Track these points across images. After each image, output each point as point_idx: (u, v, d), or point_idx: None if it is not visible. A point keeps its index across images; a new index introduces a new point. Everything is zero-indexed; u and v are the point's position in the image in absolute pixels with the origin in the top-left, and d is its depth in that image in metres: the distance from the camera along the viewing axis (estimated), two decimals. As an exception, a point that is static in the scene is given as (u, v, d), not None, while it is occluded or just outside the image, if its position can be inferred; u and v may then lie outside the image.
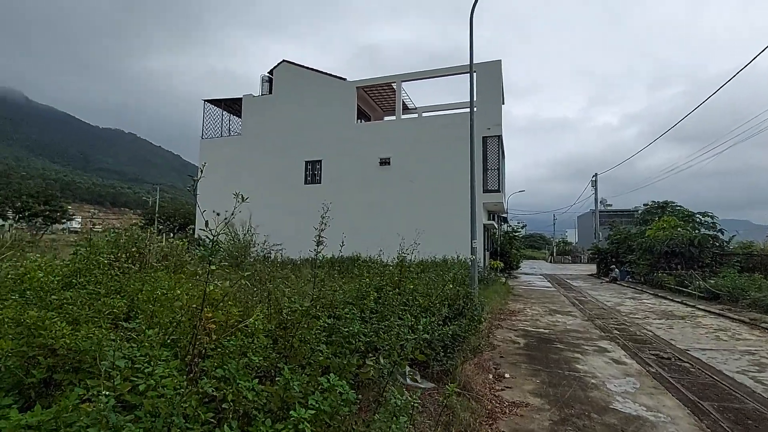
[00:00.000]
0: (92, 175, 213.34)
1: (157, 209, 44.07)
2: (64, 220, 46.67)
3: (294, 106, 23.36)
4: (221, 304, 2.91)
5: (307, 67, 23.81)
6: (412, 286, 5.72)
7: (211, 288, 2.37)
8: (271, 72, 24.42)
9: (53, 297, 2.93)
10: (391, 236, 17.06)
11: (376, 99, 25.39)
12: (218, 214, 2.37)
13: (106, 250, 6.46)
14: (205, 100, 25.39)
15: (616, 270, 27.21)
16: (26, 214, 40.33)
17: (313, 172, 22.86)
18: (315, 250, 3.90)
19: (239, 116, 25.46)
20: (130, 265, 6.26)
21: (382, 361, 2.97)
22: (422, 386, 4.72)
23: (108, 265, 4.11)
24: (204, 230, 2.35)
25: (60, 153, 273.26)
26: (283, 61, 24.11)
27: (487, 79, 19.68)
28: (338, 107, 22.44)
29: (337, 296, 4.18)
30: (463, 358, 5.30)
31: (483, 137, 19.32)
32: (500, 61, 20.27)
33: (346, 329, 3.15)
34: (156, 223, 33.91)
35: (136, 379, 2.03)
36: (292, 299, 3.76)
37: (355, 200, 21.13)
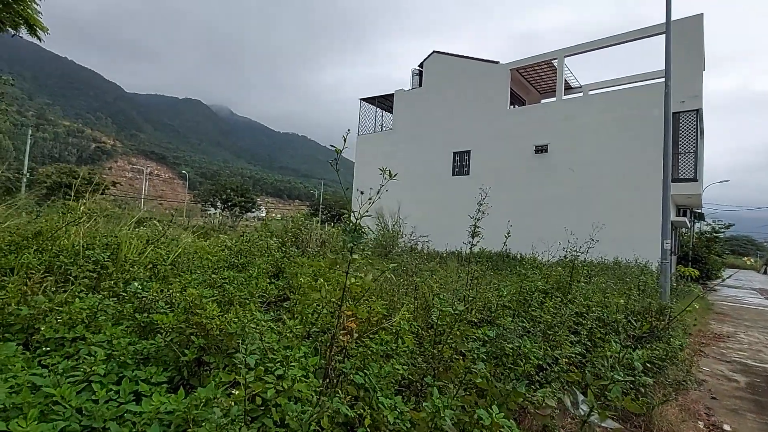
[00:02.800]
0: (275, 173, 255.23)
1: (321, 200, 49.74)
2: (254, 209, 56.61)
3: (443, 97, 22.98)
4: (363, 298, 2.56)
5: (458, 55, 23.07)
6: (586, 293, 4.60)
7: (353, 281, 1.99)
8: (421, 65, 24.52)
9: (213, 275, 3.05)
10: (547, 232, 15.20)
11: (533, 80, 23.07)
12: (362, 193, 1.95)
13: (278, 233, 7.09)
14: (361, 99, 27.06)
15: None
16: (229, 204, 50.37)
17: (461, 163, 22.14)
18: (470, 242, 3.28)
19: (391, 112, 26.38)
20: (293, 249, 6.72)
21: (567, 401, 2.19)
22: (603, 424, 3.67)
23: (266, 249, 4.29)
24: (345, 211, 1.98)
25: (254, 155, 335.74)
26: (434, 51, 23.91)
27: (682, 39, 15.70)
28: (489, 93, 21.13)
29: (497, 299, 3.48)
30: (662, 397, 3.98)
31: (674, 113, 15.56)
32: (702, 15, 15.99)
33: (510, 345, 2.46)
34: (319, 212, 38.19)
35: (267, 378, 1.77)
36: (442, 298, 3.23)
37: (506, 192, 19.62)
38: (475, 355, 2.35)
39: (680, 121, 15.82)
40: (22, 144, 40.60)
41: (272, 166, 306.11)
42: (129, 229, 6.07)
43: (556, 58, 19.38)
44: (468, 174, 21.63)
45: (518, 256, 14.09)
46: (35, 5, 6.57)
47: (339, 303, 1.92)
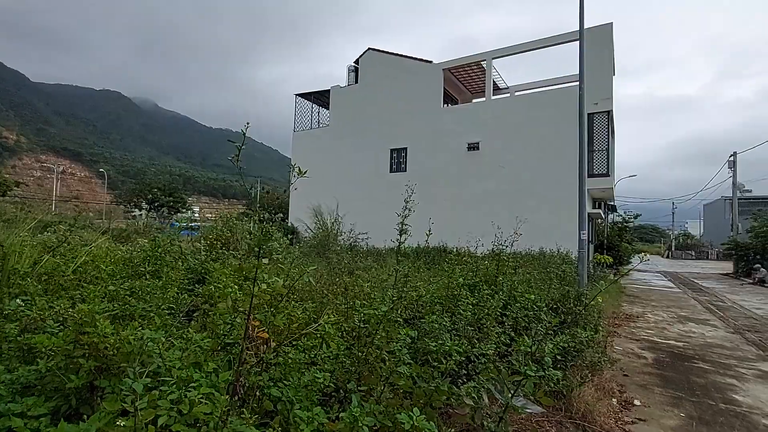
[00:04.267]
0: (208, 171, 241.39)
1: (257, 200, 47.92)
2: (184, 210, 53.16)
3: (379, 94, 23.09)
4: (281, 304, 2.42)
5: (392, 53, 23.30)
6: (511, 284, 4.81)
7: (263, 287, 1.85)
8: (357, 61, 24.42)
9: (110, 288, 2.73)
10: (480, 226, 15.89)
11: (464, 80, 23.96)
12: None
13: (206, 234, 6.63)
14: (296, 95, 26.39)
15: (763, 270, 22.37)
16: (155, 204, 46.76)
17: (398, 160, 22.43)
18: (398, 239, 3.26)
19: (328, 108, 26.01)
20: (224, 251, 6.32)
21: (485, 398, 2.22)
22: (527, 410, 3.85)
23: (180, 254, 3.95)
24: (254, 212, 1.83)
25: (183, 152, 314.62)
26: (369, 48, 23.92)
27: (595, 46, 17.14)
28: (424, 92, 21.59)
29: (423, 296, 3.49)
30: (580, 378, 4.27)
31: (589, 114, 16.97)
32: (611, 24, 17.57)
33: (434, 344, 2.45)
34: (257, 212, 36.70)
35: (161, 403, 1.58)
36: (371, 297, 3.19)
37: (442, 188, 20.22)
38: (398, 356, 2.32)
39: (594, 121, 17.29)
40: None
41: (205, 164, 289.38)
42: (27, 236, 5.32)
43: (485, 60, 20.28)
44: (405, 171, 21.97)
45: (454, 250, 14.58)
46: None
47: (246, 312, 1.78)
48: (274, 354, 2.21)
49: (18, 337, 2.52)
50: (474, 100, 24.71)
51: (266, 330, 2.02)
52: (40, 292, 3.52)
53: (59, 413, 2.05)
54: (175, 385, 1.64)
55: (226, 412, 1.69)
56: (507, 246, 5.24)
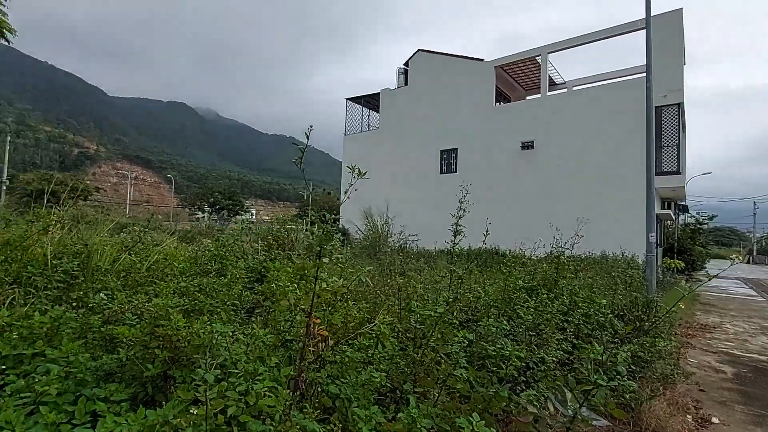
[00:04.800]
0: (263, 175, 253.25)
1: (310, 201, 49.49)
2: (243, 212, 56.03)
3: (429, 95, 22.96)
4: (339, 303, 2.45)
5: (443, 53, 23.07)
6: (572, 289, 4.55)
7: (323, 286, 1.88)
8: (406, 63, 24.46)
9: (182, 284, 2.91)
10: (536, 227, 15.25)
11: (518, 77, 23.18)
12: (329, 194, 1.84)
13: (263, 235, 6.95)
14: (347, 99, 26.92)
15: None
16: (216, 207, 49.75)
17: (448, 161, 22.14)
18: (451, 240, 3.20)
19: (378, 111, 26.29)
20: (279, 252, 6.57)
21: (550, 407, 2.11)
22: (592, 422, 3.62)
23: (242, 253, 4.15)
24: (310, 212, 1.87)
25: (241, 157, 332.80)
26: (419, 50, 23.87)
27: (663, 34, 15.87)
28: (475, 91, 21.16)
29: (482, 298, 3.40)
30: (650, 391, 3.95)
31: (657, 107, 15.73)
32: (680, 9, 16.19)
33: (492, 348, 2.37)
34: (309, 213, 37.94)
35: (230, 394, 1.65)
36: (424, 299, 3.15)
37: (494, 189, 19.67)
38: (454, 359, 2.26)
39: (663, 115, 16.01)
40: (1, 151, 39.56)
41: (260, 168, 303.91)
42: (107, 236, 5.87)
43: (539, 55, 19.49)
44: (455, 172, 21.64)
45: (507, 253, 14.12)
46: (2, 6, 6.32)
47: (308, 311, 1.82)
48: (332, 352, 2.24)
49: (101, 328, 2.77)
50: (528, 97, 23.82)
51: (325, 328, 2.05)
52: (119, 287, 3.85)
53: (137, 399, 2.22)
54: (242, 378, 1.71)
55: (288, 406, 1.73)
56: (567, 248, 4.97)
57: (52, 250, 4.75)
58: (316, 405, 1.88)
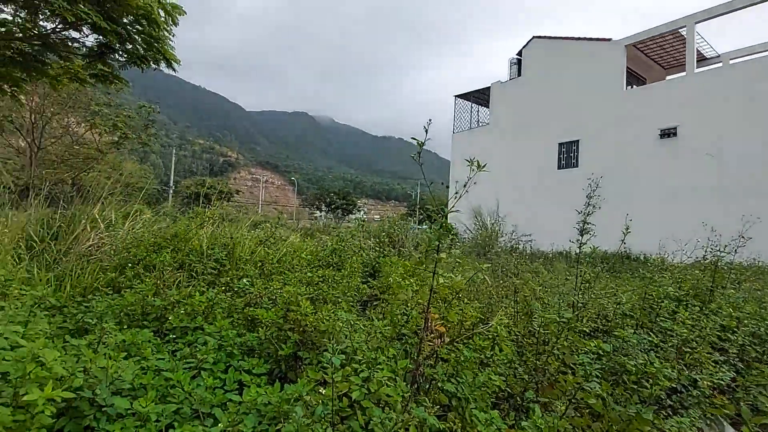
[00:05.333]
0: (374, 176, 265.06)
1: (417, 200, 50.23)
2: (355, 211, 59.45)
3: (546, 84, 21.34)
4: (455, 300, 2.40)
5: (561, 37, 21.22)
6: (734, 303, 3.76)
7: (441, 281, 1.86)
8: (520, 53, 23.13)
9: (308, 275, 3.17)
10: (678, 229, 13.05)
11: (655, 55, 20.13)
12: (447, 187, 1.82)
13: (375, 233, 7.27)
14: (456, 96, 26.55)
15: None
16: (332, 207, 53.71)
17: (568, 155, 20.30)
18: (578, 240, 2.90)
19: (488, 106, 25.39)
20: (389, 248, 6.79)
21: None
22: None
23: (360, 248, 4.36)
24: (429, 207, 1.85)
25: (354, 159, 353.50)
26: (534, 37, 22.36)
27: None
28: (601, 75, 18.99)
29: (614, 307, 3.02)
30: None
31: None
32: None
33: (632, 362, 2.07)
34: (416, 212, 38.49)
35: (354, 379, 1.73)
36: (546, 303, 2.92)
37: (624, 184, 17.40)
38: (586, 371, 2.03)
39: None
40: (169, 161, 48.51)
41: (371, 169, 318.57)
42: (245, 232, 6.76)
43: (684, 26, 16.61)
44: (576, 166, 19.73)
45: (641, 257, 12.37)
46: (170, 42, 7.67)
47: (426, 305, 1.81)
48: (449, 349, 2.20)
49: (244, 309, 3.18)
50: (669, 77, 20.53)
51: (441, 324, 2.03)
52: (256, 275, 4.38)
53: (272, 374, 2.49)
54: (365, 365, 1.78)
55: (407, 398, 1.75)
56: (727, 253, 4.11)
57: (206, 242, 5.64)
58: (436, 401, 1.86)
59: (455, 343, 2.39)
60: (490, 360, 2.41)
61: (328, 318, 2.27)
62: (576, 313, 2.43)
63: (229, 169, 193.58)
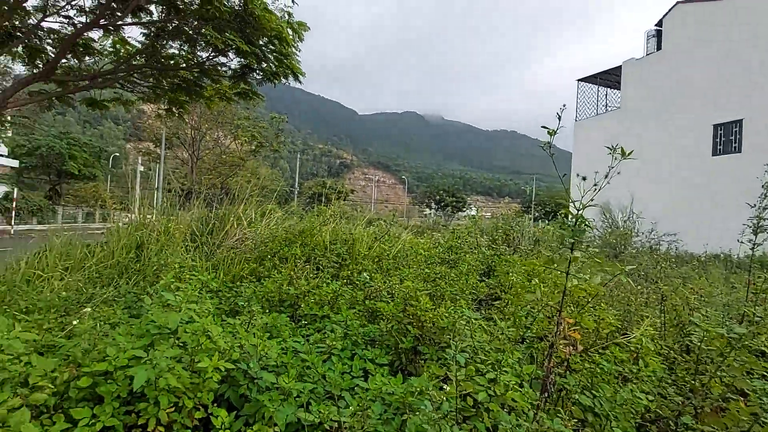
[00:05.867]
0: (484, 172, 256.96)
1: (533, 196, 47.11)
2: (465, 209, 58.38)
3: (694, 57, 18.03)
4: (589, 305, 2.17)
5: (716, -1, 17.71)
6: None
7: (575, 283, 1.70)
8: (659, 23, 19.98)
9: (425, 271, 3.19)
10: None
11: None
12: (584, 179, 1.65)
13: (488, 231, 7.06)
14: (578, 80, 24.15)
15: None
16: (441, 204, 53.59)
17: (726, 139, 16.85)
18: (750, 240, 2.39)
19: (617, 88, 22.53)
20: (504, 247, 6.50)
21: None
22: None
23: (477, 246, 4.24)
24: (563, 201, 1.70)
25: (463, 156, 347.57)
26: (677, 2, 19.08)
27: None
28: (775, 38, 15.33)
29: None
30: None
31: None
32: None
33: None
34: (531, 209, 36.12)
35: (479, 380, 1.68)
36: (704, 315, 2.48)
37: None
38: (763, 400, 1.65)
39: None
40: (294, 165, 53.96)
41: (481, 166, 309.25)
42: (361, 228, 7.15)
43: None
44: (738, 151, 16.27)
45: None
46: (297, 57, 8.48)
47: (558, 308, 1.67)
48: (581, 358, 2.00)
49: (364, 302, 3.35)
50: None
51: (577, 330, 1.85)
52: (374, 270, 4.59)
53: (393, 366, 2.57)
54: (490, 366, 1.73)
55: (535, 406, 1.64)
56: None
57: (328, 238, 6.10)
58: (572, 413, 1.71)
59: (588, 352, 2.17)
60: (633, 375, 2.13)
61: (447, 315, 2.25)
62: (749, 328, 1.99)
63: (345, 170, 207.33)
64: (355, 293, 3.59)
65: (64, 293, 3.29)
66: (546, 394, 1.70)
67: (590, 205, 1.54)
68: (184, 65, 8.93)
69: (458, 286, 2.99)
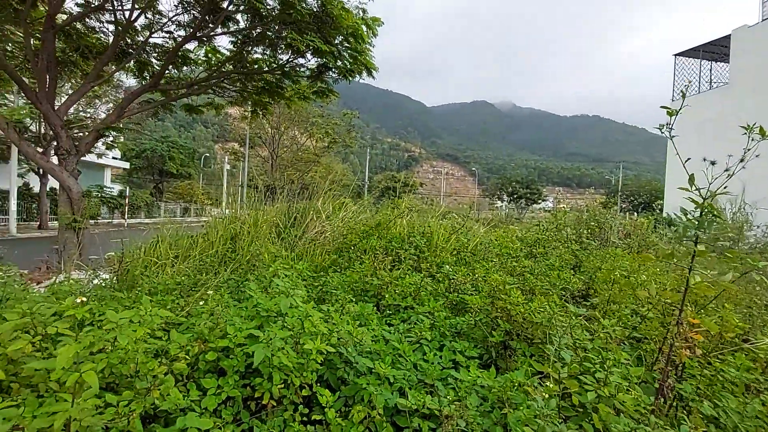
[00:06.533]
0: (561, 161, 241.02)
1: (620, 186, 43.12)
2: (540, 201, 55.34)
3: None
4: (710, 305, 1.94)
5: None
6: None
7: (698, 280, 1.53)
8: (781, -18, 17.08)
9: (514, 263, 3.08)
10: None
11: None
12: (713, 163, 1.48)
13: (571, 224, 6.65)
14: (675, 54, 21.56)
15: None
16: (514, 196, 51.30)
17: None
18: None
19: (726, 61, 19.73)
20: (591, 241, 6.07)
21: None
22: None
23: (565, 240, 4.00)
24: (684, 189, 1.54)
25: (537, 145, 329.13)
26: (807, -45, 16.12)
27: None
28: None
29: None
30: None
31: None
32: None
33: None
34: (618, 200, 33.14)
35: (585, 378, 1.60)
36: None
37: None
38: None
39: None
40: (364, 160, 55.13)
41: (558, 154, 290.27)
42: (435, 221, 7.12)
43: None
44: None
45: None
46: (370, 52, 8.61)
47: (679, 306, 1.51)
48: (700, 364, 1.81)
49: (448, 294, 3.34)
50: None
51: (698, 332, 1.66)
52: (452, 262, 4.56)
53: (482, 359, 2.54)
54: (599, 365, 1.63)
55: (650, 411, 1.52)
56: None
57: (405, 230, 6.16)
58: (692, 424, 1.56)
59: (708, 358, 1.95)
60: (763, 386, 1.88)
61: (542, 309, 2.16)
62: None
63: (413, 164, 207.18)
64: (437, 285, 3.59)
65: (177, 278, 3.72)
66: (662, 400, 1.56)
67: (720, 194, 1.37)
68: (267, 69, 9.54)
69: (549, 280, 2.85)
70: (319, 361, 1.88)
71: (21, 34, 8.45)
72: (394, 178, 46.79)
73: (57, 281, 3.35)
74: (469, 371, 1.99)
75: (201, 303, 2.22)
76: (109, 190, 27.59)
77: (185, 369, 1.54)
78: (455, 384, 1.95)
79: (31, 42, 7.87)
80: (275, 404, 1.78)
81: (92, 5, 8.26)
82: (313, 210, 7.25)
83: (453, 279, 3.30)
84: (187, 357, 1.62)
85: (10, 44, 9.11)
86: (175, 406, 1.35)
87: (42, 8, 8.89)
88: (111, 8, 8.06)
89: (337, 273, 4.21)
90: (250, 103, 10.85)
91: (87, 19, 8.67)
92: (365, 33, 7.60)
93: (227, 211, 7.14)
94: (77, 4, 8.44)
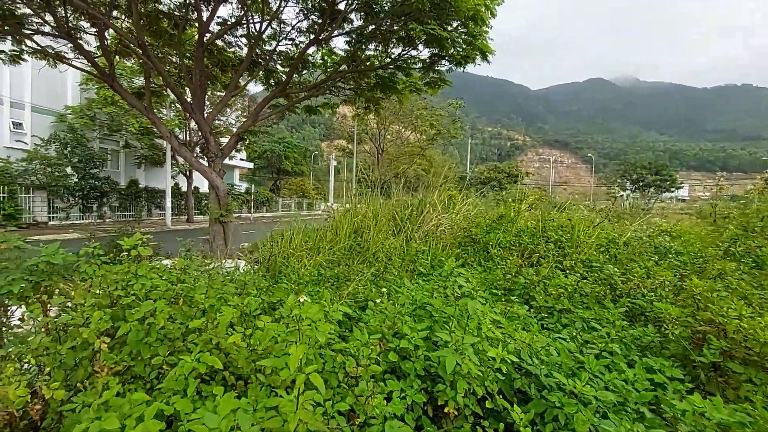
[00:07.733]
0: (698, 141, 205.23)
1: (787, 170, 34.91)
2: (673, 189, 47.86)
3: None
4: None
5: None
6: None
7: None
8: None
9: (714, 266, 2.52)
10: None
11: None
12: None
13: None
14: None
15: None
16: (640, 184, 45.10)
17: None
18: None
19: None
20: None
21: None
22: None
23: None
24: None
25: (666, 123, 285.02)
26: None
27: None
28: None
29: None
30: None
31: None
32: None
33: None
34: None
35: None
36: None
37: None
38: None
39: None
40: (464, 150, 53.65)
41: (693, 133, 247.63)
42: (555, 214, 6.47)
43: None
44: None
45: None
46: (487, 35, 8.13)
47: None
48: None
49: (618, 298, 2.91)
50: None
51: None
52: (603, 261, 4.01)
53: (683, 382, 2.10)
54: None
55: None
56: None
57: (532, 224, 5.68)
58: None
59: None
60: None
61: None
62: None
63: (516, 152, 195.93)
64: (595, 287, 3.16)
65: (321, 270, 3.90)
66: None
67: None
68: (379, 64, 9.66)
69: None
70: (504, 371, 1.70)
71: (176, 54, 9.86)
72: (497, 168, 44.64)
73: (220, 267, 3.75)
74: (685, 397, 1.63)
75: (378, 300, 2.21)
76: (237, 187, 31.34)
77: (378, 370, 1.50)
78: (671, 411, 1.61)
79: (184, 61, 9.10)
80: (456, 414, 1.66)
81: (229, 23, 9.22)
82: (429, 203, 7.14)
83: (614, 280, 2.85)
84: (373, 357, 1.57)
85: (167, 65, 10.68)
86: (380, 412, 1.30)
87: (190, 31, 10.25)
88: (245, 22, 8.91)
89: (475, 269, 4.00)
90: (362, 100, 11.15)
91: (225, 36, 9.73)
92: (485, 15, 7.17)
93: (339, 206, 7.38)
94: (217, 23, 9.51)
